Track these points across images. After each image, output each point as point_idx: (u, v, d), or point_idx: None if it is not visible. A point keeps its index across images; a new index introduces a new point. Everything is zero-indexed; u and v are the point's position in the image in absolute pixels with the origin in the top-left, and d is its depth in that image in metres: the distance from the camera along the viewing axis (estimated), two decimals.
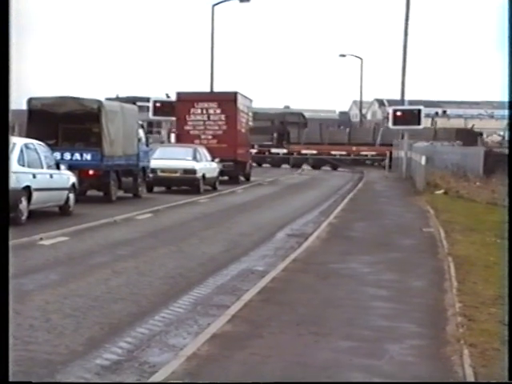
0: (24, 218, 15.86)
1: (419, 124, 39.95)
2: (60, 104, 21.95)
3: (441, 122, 67.18)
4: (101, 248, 13.55)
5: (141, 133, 25.33)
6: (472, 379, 6.34)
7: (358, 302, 9.47)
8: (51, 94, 22.93)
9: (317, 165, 51.95)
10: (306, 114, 60.55)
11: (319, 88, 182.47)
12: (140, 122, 25.87)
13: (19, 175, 15.90)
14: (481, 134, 54.70)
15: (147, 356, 7.14)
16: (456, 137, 51.21)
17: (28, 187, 16.15)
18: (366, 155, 52.85)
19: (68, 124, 22.68)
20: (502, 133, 58.96)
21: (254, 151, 46.34)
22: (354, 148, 52.89)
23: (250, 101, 38.59)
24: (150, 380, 6.24)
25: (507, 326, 6.85)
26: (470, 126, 63.32)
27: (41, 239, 13.94)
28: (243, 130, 36.18)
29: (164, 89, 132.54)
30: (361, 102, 70.85)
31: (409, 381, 6.19)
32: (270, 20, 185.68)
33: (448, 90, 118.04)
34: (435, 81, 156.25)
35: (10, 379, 4.14)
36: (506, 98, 5.10)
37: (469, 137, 50.75)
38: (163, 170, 26.90)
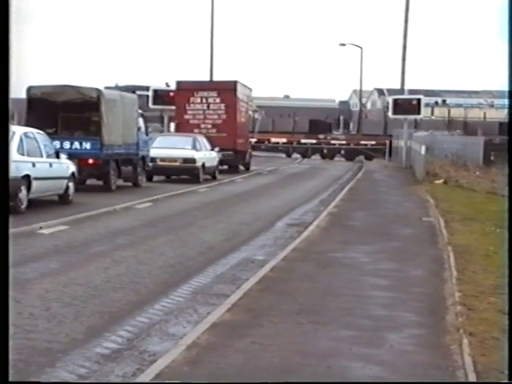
0: (23, 206, 15.86)
1: (419, 113, 39.92)
2: (59, 92, 21.91)
3: (440, 112, 67.09)
4: (100, 237, 13.55)
5: (140, 122, 25.30)
6: (471, 368, 6.34)
7: (357, 291, 9.48)
8: (50, 83, 22.89)
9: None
10: (306, 104, 61.46)
11: (319, 77, 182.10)
12: (140, 111, 25.83)
13: (18, 164, 15.89)
14: (330, 124, 62.07)
15: (147, 345, 7.15)
16: (309, 127, 57.76)
17: (27, 176, 16.14)
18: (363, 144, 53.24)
19: (67, 113, 22.64)
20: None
21: (253, 140, 46.28)
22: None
23: (250, 90, 38.51)
24: (151, 368, 6.24)
25: (507, 327, 6.86)
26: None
27: (40, 228, 13.94)
28: (243, 120, 36.13)
29: (164, 78, 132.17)
30: (360, 92, 70.60)
31: (409, 380, 6.18)
32: (269, 8, 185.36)
33: (448, 79, 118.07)
34: (435, 70, 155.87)
35: (10, 379, 4.13)
36: (506, 88, 5.09)
37: (320, 126, 58.51)
38: (163, 159, 26.85)
